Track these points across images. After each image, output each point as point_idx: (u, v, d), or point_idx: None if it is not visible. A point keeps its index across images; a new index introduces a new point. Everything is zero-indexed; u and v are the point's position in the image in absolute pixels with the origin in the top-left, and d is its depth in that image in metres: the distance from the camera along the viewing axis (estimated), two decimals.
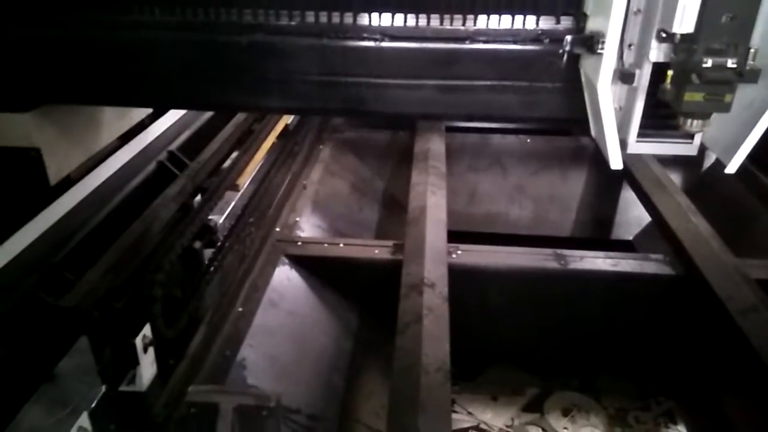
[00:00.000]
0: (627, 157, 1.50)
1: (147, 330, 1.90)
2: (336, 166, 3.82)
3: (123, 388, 1.91)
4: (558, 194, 3.86)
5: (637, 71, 1.39)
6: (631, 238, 3.79)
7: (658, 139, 1.49)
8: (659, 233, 2.96)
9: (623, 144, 1.47)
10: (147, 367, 1.92)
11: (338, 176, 3.77)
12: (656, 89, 1.39)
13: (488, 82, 1.56)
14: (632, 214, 3.71)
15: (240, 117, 3.12)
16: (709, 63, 1.24)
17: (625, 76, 1.40)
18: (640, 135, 1.47)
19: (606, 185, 3.80)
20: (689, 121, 1.35)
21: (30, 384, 1.73)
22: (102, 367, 1.89)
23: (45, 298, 1.69)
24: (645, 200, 3.12)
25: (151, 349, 1.93)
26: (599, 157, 3.77)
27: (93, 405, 1.83)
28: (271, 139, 3.44)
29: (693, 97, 1.28)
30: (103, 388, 1.90)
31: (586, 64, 1.46)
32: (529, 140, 3.87)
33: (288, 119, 3.81)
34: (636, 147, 1.47)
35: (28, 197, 1.86)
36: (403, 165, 3.77)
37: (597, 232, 3.86)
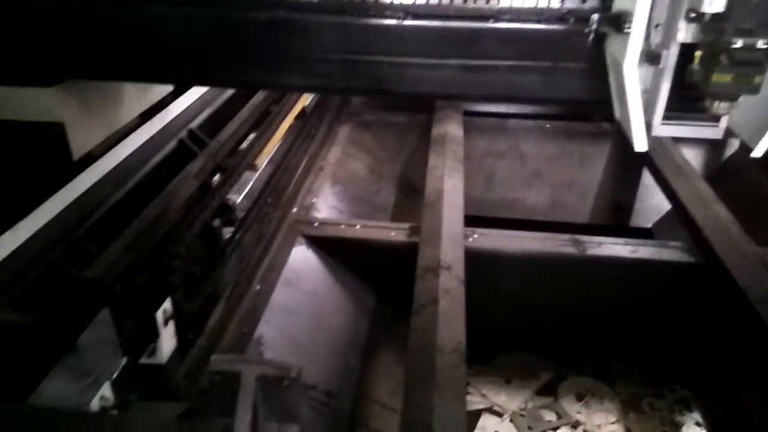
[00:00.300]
0: (647, 144, 1.49)
1: (167, 304, 1.94)
2: (353, 149, 3.82)
3: (144, 360, 1.95)
4: (576, 180, 3.82)
5: (664, 52, 1.37)
6: (650, 225, 3.75)
7: (683, 122, 1.47)
8: (679, 220, 2.93)
9: (648, 126, 1.45)
10: (167, 340, 1.96)
11: (355, 158, 3.77)
12: (683, 71, 1.37)
13: (511, 62, 1.54)
14: (651, 202, 3.67)
15: (258, 98, 3.13)
16: (739, 43, 1.22)
17: (651, 56, 1.38)
18: (665, 117, 1.46)
19: (625, 172, 3.76)
20: (716, 103, 1.33)
21: (53, 354, 1.77)
22: (123, 340, 1.92)
23: (69, 270, 1.72)
24: (665, 187, 3.09)
25: (171, 323, 1.96)
26: (619, 143, 3.72)
27: (114, 376, 1.88)
28: (288, 120, 3.44)
29: (721, 78, 1.26)
30: (124, 360, 1.94)
31: (612, 44, 1.44)
32: (548, 125, 3.83)
33: (305, 101, 3.81)
34: (661, 129, 1.46)
35: (52, 172, 1.88)
36: (420, 148, 3.76)
37: (615, 219, 3.83)
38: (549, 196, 3.86)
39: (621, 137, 3.67)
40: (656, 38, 1.38)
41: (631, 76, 1.34)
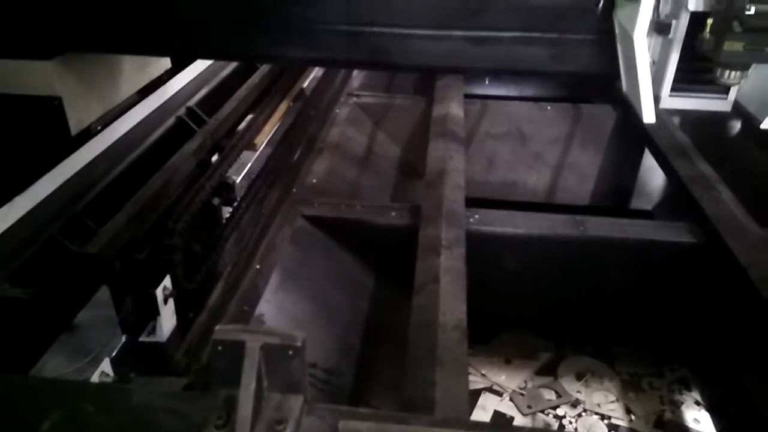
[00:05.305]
0: (649, 125, 1.47)
1: (167, 282, 1.92)
2: (352, 130, 3.78)
3: (143, 338, 1.94)
4: (577, 162, 3.80)
5: (674, 22, 1.35)
6: (650, 207, 3.74)
7: (691, 94, 1.46)
8: (680, 201, 2.91)
9: (656, 98, 1.44)
10: (167, 319, 1.95)
11: (354, 140, 3.74)
12: (691, 42, 1.35)
13: (517, 34, 1.51)
14: (652, 184, 3.65)
15: (256, 77, 3.10)
16: (752, 10, 1.19)
17: (661, 26, 1.36)
18: (673, 89, 1.44)
19: (626, 154, 3.73)
20: (727, 72, 1.32)
21: (52, 330, 1.75)
22: (122, 318, 1.91)
23: (67, 245, 1.70)
24: (667, 168, 3.06)
25: (171, 301, 1.95)
26: (620, 126, 3.69)
27: (113, 354, 1.86)
28: (287, 101, 3.41)
29: (733, 46, 1.24)
30: (124, 338, 1.92)
31: (621, 13, 1.41)
32: (549, 107, 3.80)
33: (304, 82, 3.78)
34: (669, 102, 1.45)
35: (50, 146, 1.86)
36: (420, 130, 3.72)
37: (615, 201, 3.81)
38: (550, 178, 3.84)
39: (622, 118, 3.66)
40: (666, 8, 1.36)
41: (641, 45, 1.31)
